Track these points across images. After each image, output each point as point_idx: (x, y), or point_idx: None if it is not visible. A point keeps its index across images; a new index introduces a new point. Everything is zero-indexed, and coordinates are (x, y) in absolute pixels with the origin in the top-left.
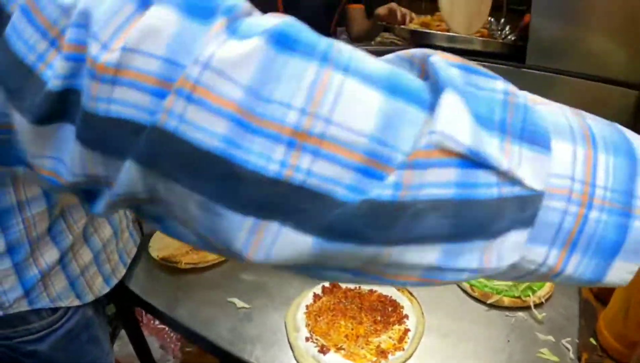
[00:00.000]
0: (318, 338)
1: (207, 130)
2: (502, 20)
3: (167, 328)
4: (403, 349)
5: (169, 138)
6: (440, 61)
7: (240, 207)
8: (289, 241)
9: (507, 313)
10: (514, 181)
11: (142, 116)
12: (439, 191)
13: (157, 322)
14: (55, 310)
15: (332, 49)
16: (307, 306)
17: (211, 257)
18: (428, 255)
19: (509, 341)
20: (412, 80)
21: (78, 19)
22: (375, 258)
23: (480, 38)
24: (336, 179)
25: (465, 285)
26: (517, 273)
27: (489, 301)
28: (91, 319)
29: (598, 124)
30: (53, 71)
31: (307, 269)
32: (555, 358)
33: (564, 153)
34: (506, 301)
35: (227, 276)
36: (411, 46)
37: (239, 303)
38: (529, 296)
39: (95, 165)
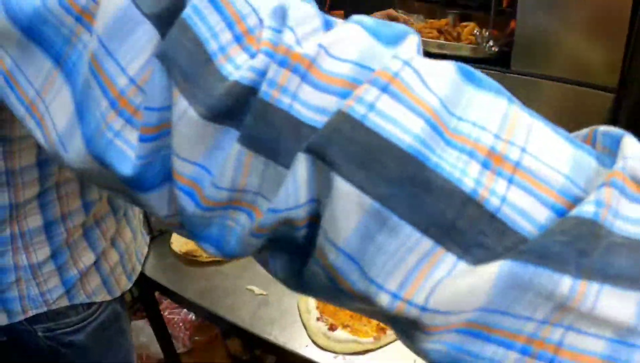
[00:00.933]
0: (327, 318)
1: (400, 124)
2: (487, 33)
3: (176, 318)
4: None
5: (352, 126)
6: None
7: (421, 222)
8: (463, 283)
9: None
10: None
11: (322, 120)
12: (634, 229)
13: (167, 312)
14: (89, 305)
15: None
16: None
17: None
18: (625, 306)
19: None
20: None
21: (273, 15)
22: (566, 303)
23: (469, 45)
24: (529, 214)
25: None
26: None
27: None
28: (119, 313)
29: None
30: (236, 65)
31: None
32: None
33: None
34: None
35: (244, 267)
36: None
37: (257, 290)
38: None
39: (250, 172)
